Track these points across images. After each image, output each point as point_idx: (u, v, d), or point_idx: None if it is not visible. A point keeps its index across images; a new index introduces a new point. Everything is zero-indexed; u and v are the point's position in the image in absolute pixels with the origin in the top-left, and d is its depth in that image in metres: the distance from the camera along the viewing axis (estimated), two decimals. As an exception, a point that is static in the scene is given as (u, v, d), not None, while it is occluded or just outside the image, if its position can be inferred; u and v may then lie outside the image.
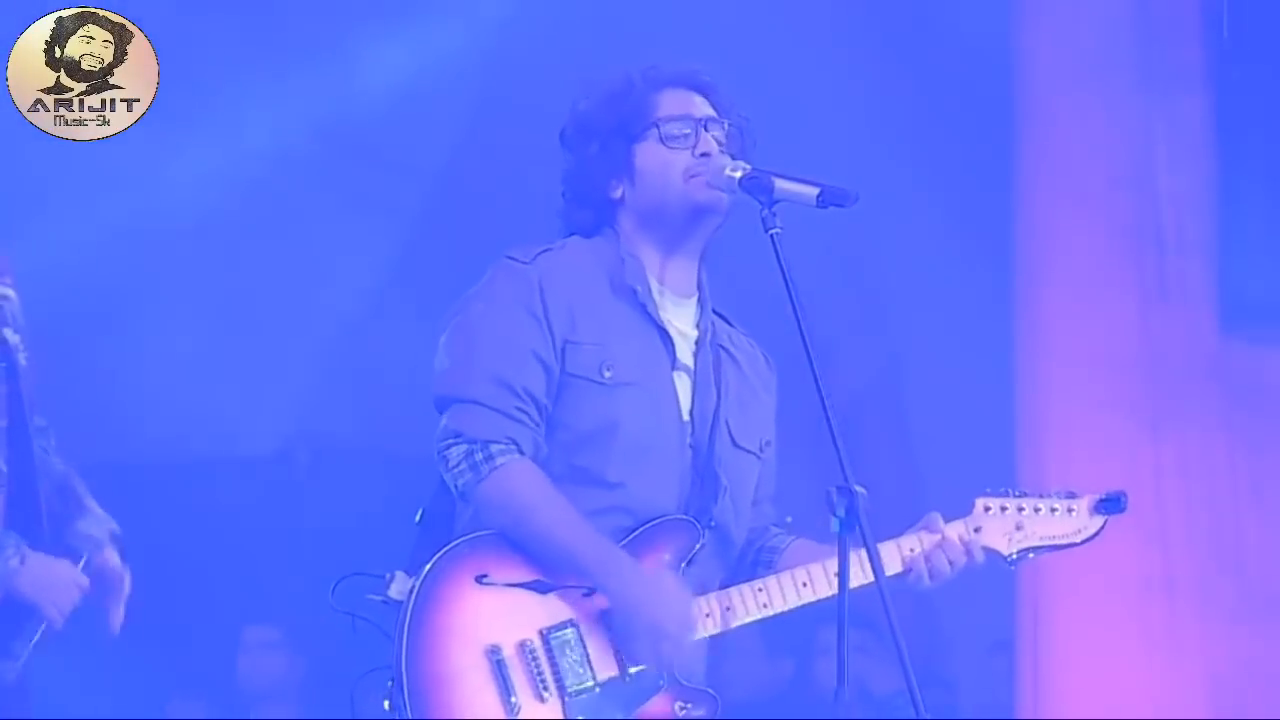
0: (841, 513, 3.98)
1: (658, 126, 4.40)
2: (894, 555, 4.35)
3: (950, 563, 4.37)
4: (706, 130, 4.41)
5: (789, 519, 4.45)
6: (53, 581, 4.20)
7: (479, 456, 4.25)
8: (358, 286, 7.08)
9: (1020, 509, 4.44)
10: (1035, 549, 4.44)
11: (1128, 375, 7.12)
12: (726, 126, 4.43)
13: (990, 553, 4.43)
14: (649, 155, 4.41)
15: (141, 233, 6.74)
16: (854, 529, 3.97)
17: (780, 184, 4.18)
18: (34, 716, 4.26)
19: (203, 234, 6.85)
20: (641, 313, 4.38)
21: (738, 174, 4.29)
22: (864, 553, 4.10)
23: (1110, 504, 4.45)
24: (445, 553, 4.19)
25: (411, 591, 4.15)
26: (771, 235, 4.13)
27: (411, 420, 6.49)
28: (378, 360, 6.94)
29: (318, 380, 7.07)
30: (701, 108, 4.44)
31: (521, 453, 4.25)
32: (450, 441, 4.28)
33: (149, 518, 6.45)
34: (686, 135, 4.40)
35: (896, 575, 4.34)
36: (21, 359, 4.18)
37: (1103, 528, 4.44)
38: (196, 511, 6.90)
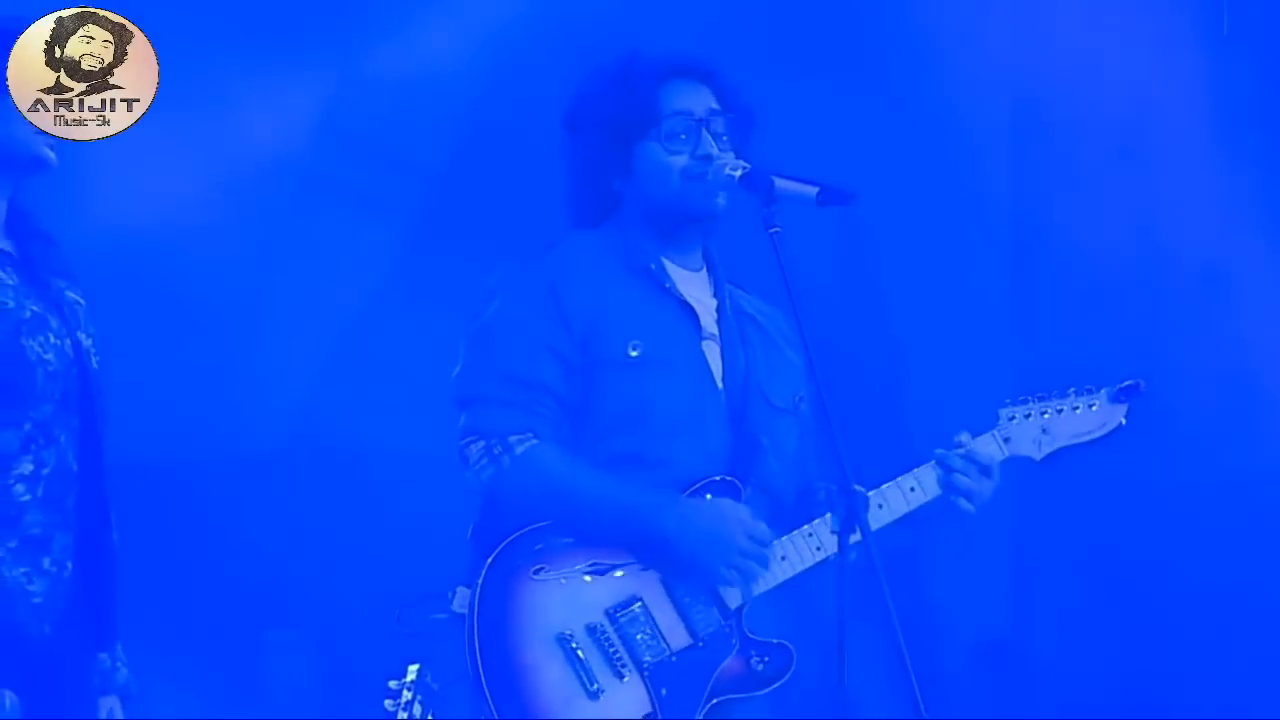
0: (840, 512, 4.00)
1: (658, 125, 4.40)
2: (929, 477, 4.39)
3: (983, 470, 4.40)
4: (708, 128, 4.41)
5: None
6: None
7: (498, 449, 4.26)
8: (359, 285, 7.08)
9: (1044, 413, 4.48)
10: (1064, 448, 4.49)
11: (1125, 375, 7.13)
12: (709, 124, 4.43)
13: (1021, 459, 4.46)
14: (648, 156, 4.41)
15: (140, 232, 6.74)
16: (854, 528, 3.98)
17: (780, 183, 4.19)
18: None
19: (202, 233, 6.85)
20: (659, 289, 4.39)
21: (737, 173, 4.30)
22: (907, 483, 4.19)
23: (1129, 392, 4.50)
24: (496, 556, 4.20)
25: (473, 600, 4.16)
26: (771, 234, 4.14)
27: (413, 419, 6.50)
28: (378, 359, 6.94)
29: (318, 380, 7.07)
30: (704, 101, 4.43)
31: (539, 439, 4.26)
32: (469, 439, 4.30)
33: (147, 517, 6.45)
34: (686, 135, 4.41)
35: (937, 499, 4.37)
36: (94, 362, 4.20)
37: (1125, 418, 4.49)
38: (195, 511, 6.90)
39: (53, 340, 4.11)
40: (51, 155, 4.20)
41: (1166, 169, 7.29)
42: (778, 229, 4.14)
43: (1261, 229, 7.21)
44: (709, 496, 4.26)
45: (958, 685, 7.43)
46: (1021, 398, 4.49)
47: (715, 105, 4.43)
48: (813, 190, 4.18)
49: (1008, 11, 7.47)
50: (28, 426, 4.06)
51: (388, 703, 5.56)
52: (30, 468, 4.06)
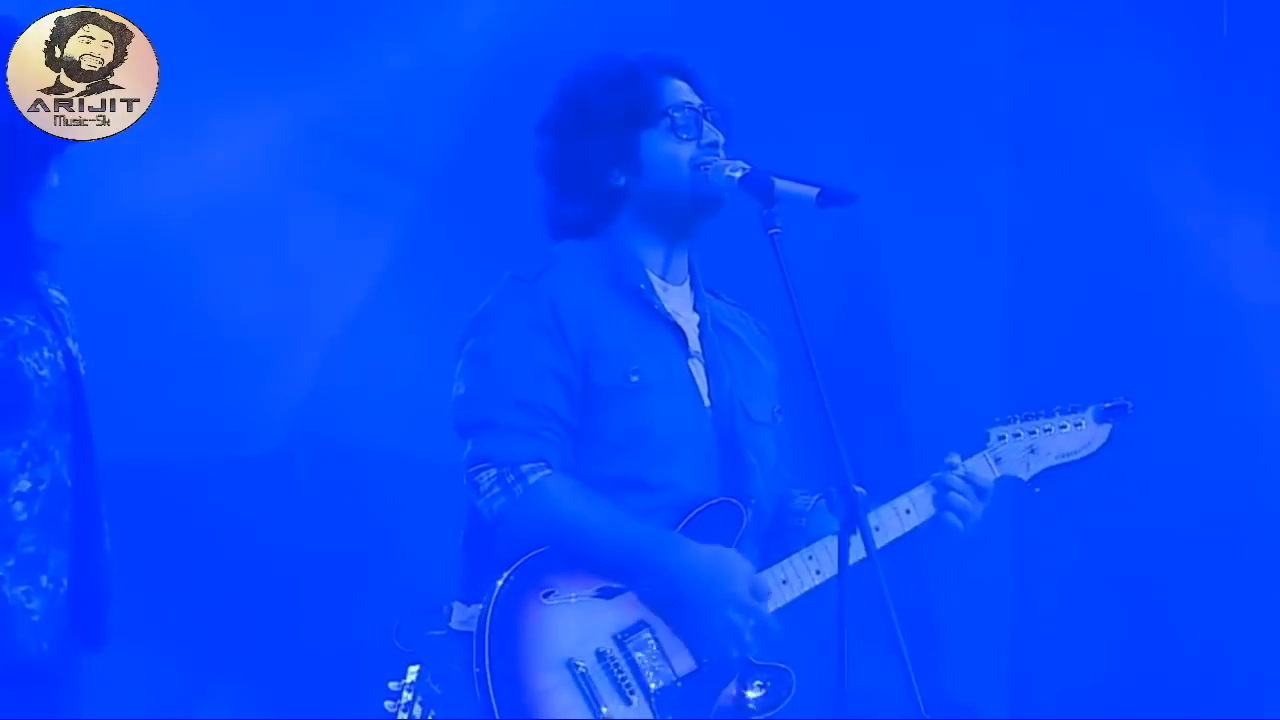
0: (840, 513, 4.00)
1: (669, 115, 4.41)
2: (924, 500, 4.40)
3: (979, 492, 4.41)
4: (706, 119, 4.44)
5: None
6: None
7: (511, 478, 4.25)
8: (358, 286, 7.07)
9: (1031, 432, 4.50)
10: (1051, 468, 4.50)
11: (1124, 376, 7.13)
12: (708, 115, 4.45)
13: (1010, 480, 4.48)
14: (658, 145, 4.42)
15: (139, 233, 6.74)
16: (855, 529, 3.99)
17: (780, 184, 4.20)
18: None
19: (202, 233, 6.84)
20: (649, 310, 4.39)
21: (738, 174, 4.31)
22: (902, 505, 4.20)
23: (1114, 412, 4.52)
24: (507, 578, 4.19)
25: (483, 622, 4.16)
26: (771, 235, 4.15)
27: (413, 420, 6.48)
28: (378, 360, 6.93)
29: (317, 380, 7.06)
30: (693, 95, 4.47)
31: (551, 468, 4.26)
32: (479, 467, 4.28)
33: (148, 518, 6.45)
34: (694, 125, 4.43)
35: (930, 520, 4.39)
36: (81, 368, 4.20)
37: (1110, 437, 4.50)
38: (195, 512, 6.90)
39: (47, 354, 4.12)
40: (55, 179, 4.22)
41: (1166, 169, 7.28)
42: (778, 230, 4.15)
43: (1262, 228, 7.21)
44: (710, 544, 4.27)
45: (956, 689, 7.44)
46: (1009, 416, 4.51)
47: (700, 100, 4.47)
48: (813, 191, 4.19)
49: (1008, 12, 7.47)
50: (25, 445, 4.08)
51: (388, 703, 5.56)
52: (28, 485, 4.07)
